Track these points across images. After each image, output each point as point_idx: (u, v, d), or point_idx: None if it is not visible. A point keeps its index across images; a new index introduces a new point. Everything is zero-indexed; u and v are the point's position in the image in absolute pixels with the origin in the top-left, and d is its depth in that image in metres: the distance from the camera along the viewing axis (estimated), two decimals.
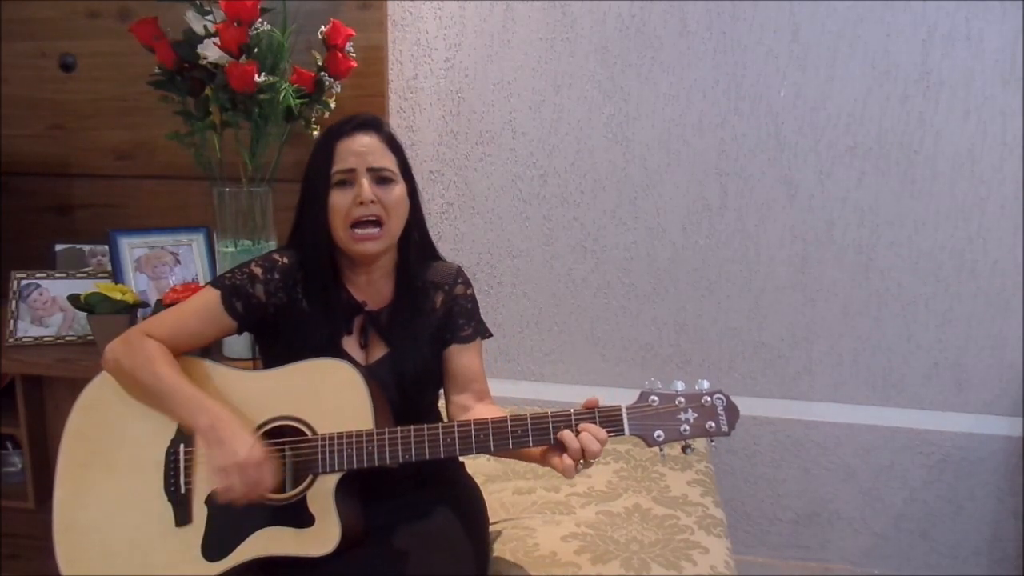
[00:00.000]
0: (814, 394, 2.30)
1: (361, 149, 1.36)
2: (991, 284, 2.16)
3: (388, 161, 1.38)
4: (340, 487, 1.28)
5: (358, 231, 1.35)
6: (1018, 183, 2.09)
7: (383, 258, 1.43)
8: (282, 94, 1.79)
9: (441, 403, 1.53)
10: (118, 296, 1.90)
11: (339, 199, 1.35)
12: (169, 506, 1.31)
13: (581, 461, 1.24)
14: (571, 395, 2.31)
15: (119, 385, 1.36)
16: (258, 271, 1.41)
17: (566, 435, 1.24)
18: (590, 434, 1.23)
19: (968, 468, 2.25)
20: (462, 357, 1.46)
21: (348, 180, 1.35)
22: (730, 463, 2.35)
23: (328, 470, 1.28)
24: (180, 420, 1.32)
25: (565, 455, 1.24)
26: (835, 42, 2.10)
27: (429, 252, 1.51)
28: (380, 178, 1.37)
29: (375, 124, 1.40)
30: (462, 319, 1.47)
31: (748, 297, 2.27)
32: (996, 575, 2.29)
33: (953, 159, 2.11)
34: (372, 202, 1.34)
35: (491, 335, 1.52)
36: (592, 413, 1.26)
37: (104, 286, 1.93)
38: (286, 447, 1.30)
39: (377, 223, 1.36)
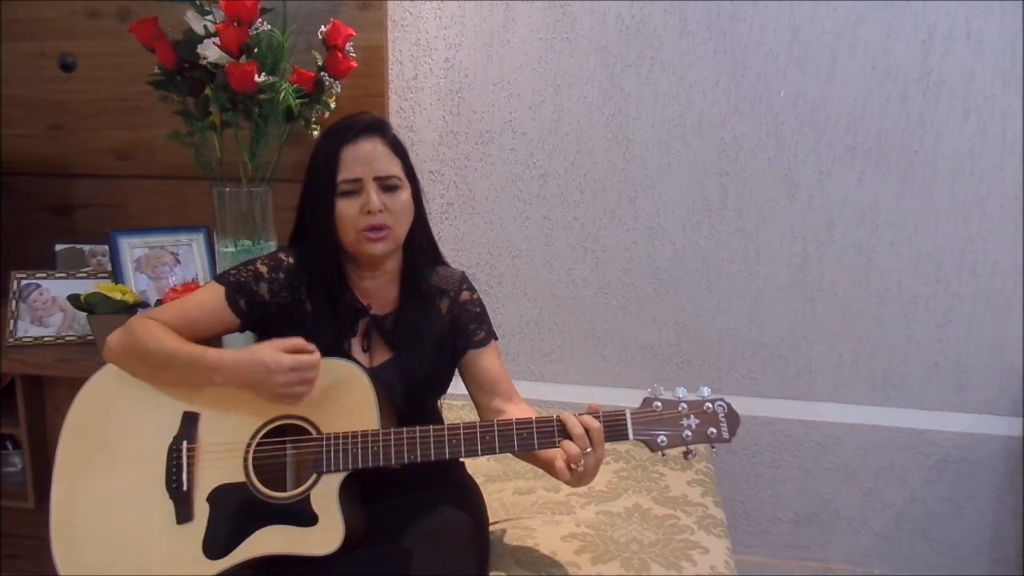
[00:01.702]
0: (814, 394, 2.30)
1: (367, 157, 1.35)
2: (991, 284, 2.16)
3: (394, 167, 1.38)
4: (343, 487, 1.28)
5: (368, 234, 1.35)
6: (1018, 183, 2.10)
7: (389, 262, 1.43)
8: (282, 94, 1.79)
9: (447, 409, 1.53)
10: (118, 296, 1.90)
11: (346, 208, 1.35)
12: (170, 503, 1.30)
13: (581, 463, 1.25)
14: (571, 395, 2.32)
15: (123, 372, 1.35)
16: (263, 269, 1.41)
17: (569, 436, 1.25)
18: (584, 427, 1.25)
19: (968, 468, 2.25)
20: (481, 361, 1.46)
21: (355, 190, 1.35)
22: (730, 463, 2.35)
23: (332, 469, 1.28)
24: (193, 383, 1.33)
25: (565, 443, 1.25)
26: (835, 42, 2.10)
27: (434, 256, 1.51)
28: (387, 186, 1.37)
29: (379, 128, 1.39)
30: (473, 324, 1.47)
31: (748, 297, 2.27)
32: (996, 575, 2.29)
33: (953, 159, 2.11)
34: (380, 211, 1.34)
35: (497, 337, 1.52)
36: (597, 416, 1.27)
37: (104, 286, 1.93)
38: (289, 446, 1.31)
39: (383, 227, 1.36)
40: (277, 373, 1.25)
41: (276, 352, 1.26)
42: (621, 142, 2.24)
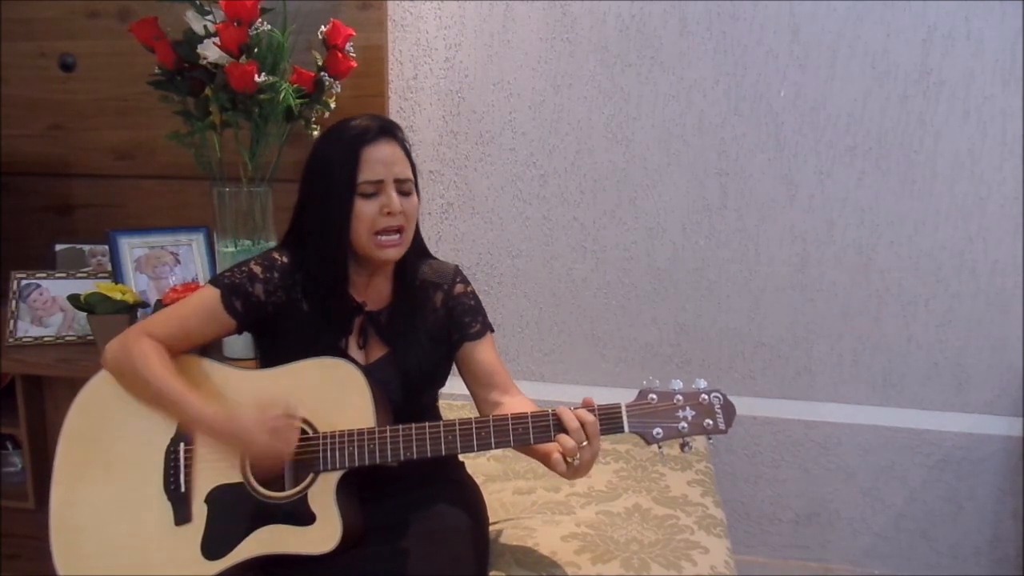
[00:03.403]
0: (814, 394, 2.30)
1: (388, 159, 1.36)
2: (991, 284, 2.16)
3: (409, 171, 1.39)
4: (341, 485, 1.28)
5: (382, 238, 1.35)
6: (1018, 183, 2.10)
7: None
8: (282, 94, 1.79)
9: (447, 409, 1.52)
10: (118, 296, 1.90)
11: (365, 208, 1.35)
12: (168, 504, 1.31)
13: (576, 457, 1.25)
14: (571, 395, 2.31)
15: (119, 384, 1.35)
16: (257, 270, 1.41)
17: (565, 430, 1.25)
18: (580, 421, 1.25)
19: (968, 468, 2.25)
20: (476, 353, 1.46)
21: (375, 191, 1.35)
22: (730, 463, 2.35)
23: (329, 468, 1.28)
24: (177, 422, 1.33)
25: (561, 436, 1.25)
26: (835, 42, 2.10)
27: (423, 251, 1.52)
28: (402, 190, 1.37)
29: (395, 130, 1.40)
30: (468, 317, 1.47)
31: (748, 297, 2.27)
32: (996, 575, 2.29)
33: (953, 159, 2.11)
34: (399, 212, 1.35)
35: (493, 330, 1.52)
36: (592, 410, 1.27)
37: (104, 286, 1.93)
38: None
39: (398, 230, 1.37)
40: (257, 436, 1.26)
41: (259, 416, 1.27)
42: (621, 142, 2.24)
